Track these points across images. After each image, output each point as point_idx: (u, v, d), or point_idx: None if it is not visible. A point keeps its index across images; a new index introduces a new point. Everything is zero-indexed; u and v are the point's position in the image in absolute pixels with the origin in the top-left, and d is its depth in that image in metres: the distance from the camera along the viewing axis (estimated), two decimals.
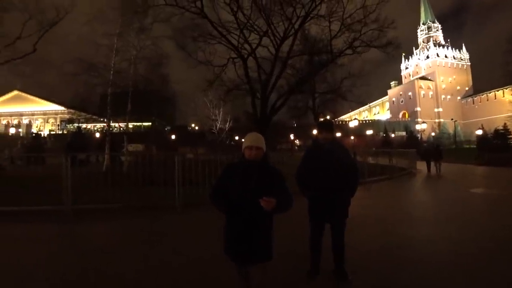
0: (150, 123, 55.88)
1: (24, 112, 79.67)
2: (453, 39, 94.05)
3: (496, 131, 36.15)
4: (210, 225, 5.43)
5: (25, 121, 79.89)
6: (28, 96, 78.67)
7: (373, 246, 4.11)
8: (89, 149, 35.50)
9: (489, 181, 12.29)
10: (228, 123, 43.36)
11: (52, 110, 79.11)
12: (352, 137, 45.40)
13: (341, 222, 3.01)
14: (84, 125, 45.00)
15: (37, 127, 78.83)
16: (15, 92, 78.82)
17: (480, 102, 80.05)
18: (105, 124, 25.89)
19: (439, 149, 16.50)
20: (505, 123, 38.73)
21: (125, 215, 6.47)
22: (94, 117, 27.61)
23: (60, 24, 19.02)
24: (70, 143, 37.62)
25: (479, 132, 42.43)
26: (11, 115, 79.59)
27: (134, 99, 25.38)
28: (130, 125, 59.12)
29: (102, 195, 7.35)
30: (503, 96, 64.13)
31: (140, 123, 58.55)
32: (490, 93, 76.30)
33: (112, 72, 22.11)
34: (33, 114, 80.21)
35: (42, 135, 63.16)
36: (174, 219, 6.19)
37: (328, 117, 40.35)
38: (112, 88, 22.91)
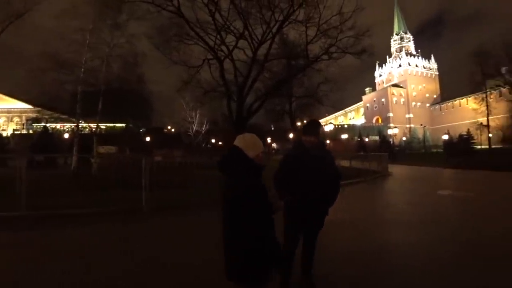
0: (124, 124, 53.91)
1: None
2: (424, 50, 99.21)
3: (461, 136, 38.25)
4: (177, 230, 5.24)
5: None
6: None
7: (348, 251, 4.07)
8: (57, 150, 33.58)
9: (456, 183, 12.87)
10: (204, 126, 42.81)
11: (17, 108, 74.31)
12: (328, 141, 46.29)
13: (317, 232, 2.89)
14: (52, 125, 42.65)
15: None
16: None
17: (447, 109, 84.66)
18: (75, 125, 24.56)
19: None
20: (468, 129, 41.23)
21: (89, 220, 6.05)
22: (63, 116, 26.10)
23: (29, 17, 17.88)
24: (35, 143, 35.39)
25: (446, 137, 44.75)
26: None
27: (107, 98, 24.30)
28: (103, 126, 56.68)
29: (67, 200, 6.91)
30: (467, 104, 68.19)
31: (114, 124, 56.22)
32: (455, 101, 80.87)
33: (83, 69, 21.09)
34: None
35: (5, 135, 59.05)
36: (141, 224, 5.87)
37: (304, 120, 41.08)
38: (83, 86, 21.83)
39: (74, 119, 23.09)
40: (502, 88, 38.45)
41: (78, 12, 18.82)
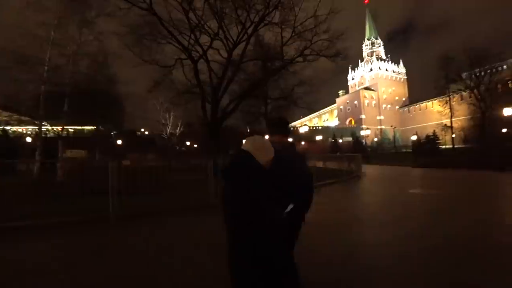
0: (94, 127, 51.33)
1: None
2: (393, 55, 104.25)
3: (428, 137, 40.38)
4: (147, 239, 4.87)
5: None
6: None
7: (323, 253, 3.97)
8: (17, 155, 31.24)
9: (425, 181, 13.40)
10: (179, 128, 41.78)
11: None
12: (303, 143, 46.94)
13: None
14: (13, 128, 39.75)
15: None
16: None
17: (415, 111, 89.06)
18: (46, 127, 22.99)
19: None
20: (434, 130, 43.65)
21: (47, 232, 5.52)
22: (24, 118, 24.25)
23: None
24: None
25: (414, 137, 47.02)
26: None
27: (74, 99, 22.92)
28: (71, 128, 53.42)
29: (24, 210, 6.32)
30: (433, 107, 72.07)
31: (83, 127, 53.38)
32: (422, 103, 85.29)
33: (46, 67, 19.74)
34: None
35: None
36: (105, 234, 5.42)
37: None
38: (47, 86, 20.45)
39: (37, 122, 21.60)
40: (463, 92, 41.03)
41: (42, 5, 17.62)
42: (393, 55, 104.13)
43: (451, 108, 39.41)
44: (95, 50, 19.26)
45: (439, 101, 47.28)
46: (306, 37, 17.22)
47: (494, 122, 33.44)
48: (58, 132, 23.54)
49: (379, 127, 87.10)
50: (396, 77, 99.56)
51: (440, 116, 46.28)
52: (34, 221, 5.79)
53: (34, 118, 21.25)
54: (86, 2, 15.88)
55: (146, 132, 59.33)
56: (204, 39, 16.56)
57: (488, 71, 36.16)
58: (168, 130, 40.50)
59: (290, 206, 2.10)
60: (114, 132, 58.09)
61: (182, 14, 15.12)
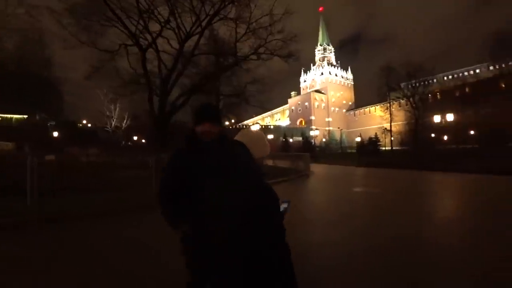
0: (25, 116, 45.44)
1: None
2: (342, 62, 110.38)
3: (370, 139, 43.71)
4: (72, 247, 4.22)
5: None
6: None
7: None
8: None
9: (368, 180, 14.27)
10: (125, 121, 38.95)
11: None
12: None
13: None
14: None
15: None
16: None
17: (360, 115, 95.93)
18: None
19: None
20: (376, 133, 47.54)
21: None
22: None
23: None
24: None
25: (358, 139, 50.63)
26: None
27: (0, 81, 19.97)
28: None
29: None
30: (375, 111, 78.34)
31: (12, 115, 46.93)
32: (367, 108, 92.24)
33: None
34: None
35: None
36: (26, 240, 4.63)
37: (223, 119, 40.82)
38: None
39: None
40: (401, 100, 45.40)
41: None
42: (342, 62, 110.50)
43: (391, 114, 43.32)
44: (27, 26, 16.92)
45: (381, 107, 51.76)
46: (261, 35, 17.29)
47: (426, 128, 37.76)
48: None
49: (327, 128, 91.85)
50: (344, 82, 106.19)
51: (381, 120, 50.81)
52: None
53: None
54: None
55: (89, 125, 54.33)
56: (155, 27, 15.56)
57: (422, 83, 40.57)
58: (113, 123, 37.47)
59: (284, 205, 1.88)
60: (51, 123, 52.06)
61: None
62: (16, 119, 47.51)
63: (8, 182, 6.61)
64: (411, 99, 40.81)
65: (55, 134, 42.63)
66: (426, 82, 41.25)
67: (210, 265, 1.48)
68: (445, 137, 36.78)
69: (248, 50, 18.07)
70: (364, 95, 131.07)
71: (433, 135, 36.91)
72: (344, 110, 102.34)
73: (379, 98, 49.81)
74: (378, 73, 43.66)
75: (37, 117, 46.80)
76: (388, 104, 45.17)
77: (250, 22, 16.46)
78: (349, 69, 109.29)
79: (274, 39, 17.65)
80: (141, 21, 14.49)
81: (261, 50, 17.81)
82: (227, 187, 1.46)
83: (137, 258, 3.65)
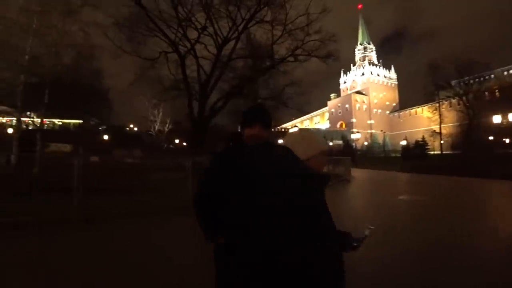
0: (81, 121, 50.24)
1: None
2: (385, 61, 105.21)
3: (417, 142, 40.66)
4: (94, 248, 4.28)
5: None
6: None
7: None
8: None
9: (412, 187, 13.18)
10: (167, 125, 40.84)
11: None
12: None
13: None
14: None
15: None
16: None
17: (405, 116, 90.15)
18: (31, 119, 22.29)
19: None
20: (423, 136, 44.03)
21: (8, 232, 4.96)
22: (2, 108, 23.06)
23: None
24: None
25: (403, 142, 47.37)
26: None
27: (57, 92, 22.07)
28: (58, 121, 52.16)
29: None
30: (422, 113, 73.12)
31: (70, 121, 52.21)
32: (412, 109, 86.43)
33: (27, 57, 18.92)
34: None
35: None
36: (69, 237, 4.89)
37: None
38: (27, 76, 19.64)
39: (16, 112, 20.77)
40: (452, 99, 41.55)
41: None
42: (384, 61, 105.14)
43: (440, 115, 39.79)
44: (80, 41, 18.53)
45: (429, 107, 47.85)
46: (297, 36, 16.99)
47: (481, 129, 33.94)
48: (37, 124, 22.68)
49: (369, 131, 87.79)
50: (387, 82, 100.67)
51: (429, 122, 46.80)
52: None
53: (15, 108, 20.49)
54: None
55: (136, 129, 58.18)
56: (193, 34, 16.04)
57: (477, 79, 36.68)
58: (156, 127, 39.60)
59: (366, 232, 1.54)
60: (102, 127, 56.88)
61: (171, 7, 14.55)
62: (73, 124, 52.77)
63: (60, 181, 7.14)
64: (464, 97, 37.13)
65: (105, 137, 46.44)
66: (481, 78, 37.25)
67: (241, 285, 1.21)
68: (507, 140, 32.69)
69: (285, 52, 17.89)
70: (409, 95, 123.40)
71: (491, 137, 32.94)
72: (388, 112, 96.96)
73: (426, 97, 45.98)
74: (424, 71, 40.57)
75: (91, 122, 51.53)
76: (437, 104, 41.51)
77: (286, 24, 16.26)
78: (392, 68, 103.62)
79: (311, 40, 17.26)
80: (180, 29, 15.04)
81: (298, 51, 17.53)
82: (275, 190, 1.23)
83: (153, 260, 3.60)
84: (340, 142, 66.57)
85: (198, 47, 16.13)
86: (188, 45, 15.67)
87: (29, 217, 5.47)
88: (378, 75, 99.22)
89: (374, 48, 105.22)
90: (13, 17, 17.41)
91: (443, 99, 41.78)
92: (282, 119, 44.13)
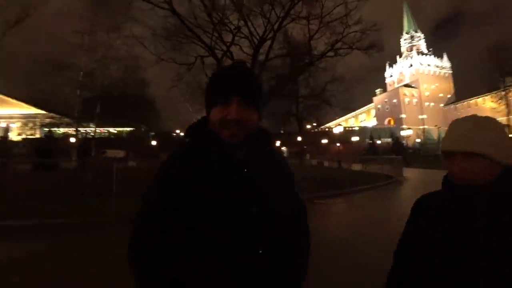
0: (132, 129, 54.75)
1: (1, 115, 75.56)
2: (436, 49, 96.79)
3: None
4: (116, 249, 4.14)
5: (2, 124, 75.66)
6: (7, 98, 74.67)
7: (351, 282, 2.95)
8: (59, 154, 33.45)
9: None
10: None
11: (31, 114, 75.41)
12: (338, 144, 44.67)
13: None
14: (59, 130, 42.90)
15: (14, 130, 75.00)
16: None
17: (462, 109, 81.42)
18: (90, 129, 24.78)
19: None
20: None
21: (40, 232, 5.29)
22: (67, 120, 25.60)
23: (30, 23, 17.50)
24: (40, 148, 35.36)
25: None
26: None
27: (108, 102, 23.97)
28: (113, 130, 57.51)
29: (40, 207, 6.27)
30: (484, 103, 65.43)
31: (123, 129, 57.09)
32: (471, 100, 77.85)
33: (82, 72, 20.84)
34: (11, 118, 76.05)
35: (10, 139, 59.52)
36: (106, 238, 4.92)
37: (314, 123, 39.48)
38: (82, 90, 21.64)
39: (74, 123, 22.98)
40: None
41: (75, 13, 18.66)
42: (435, 49, 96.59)
43: (507, 104, 35.06)
44: (124, 54, 19.93)
45: (492, 97, 42.46)
46: (336, 29, 16.09)
47: None
48: (92, 134, 24.97)
49: (421, 127, 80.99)
50: (439, 72, 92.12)
51: (493, 113, 41.41)
52: (37, 221, 5.64)
53: (74, 119, 22.85)
54: (113, 8, 16.37)
55: (182, 134, 61.21)
56: (229, 37, 16.02)
57: None
58: None
59: None
60: (152, 133, 60.95)
61: (204, 11, 14.69)
62: (126, 131, 57.56)
63: (104, 184, 7.52)
64: None
65: (154, 143, 49.62)
66: None
67: None
68: None
69: (324, 47, 17.04)
70: (466, 85, 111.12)
71: None
72: (442, 105, 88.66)
73: (489, 86, 40.88)
74: (485, 56, 36.03)
75: (141, 129, 55.64)
76: (503, 92, 36.64)
77: (323, 16, 15.43)
78: (445, 56, 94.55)
79: (352, 32, 16.21)
80: (215, 33, 15.11)
81: (338, 45, 16.56)
82: (254, 201, 0.85)
83: None
84: (389, 140, 62.53)
85: (234, 49, 16.08)
86: (224, 47, 15.68)
87: (77, 218, 5.85)
88: (428, 65, 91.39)
89: (422, 36, 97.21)
90: (68, 39, 19.38)
91: (510, 86, 36.81)
92: (326, 118, 42.68)
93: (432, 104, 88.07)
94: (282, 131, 50.15)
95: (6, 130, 74.18)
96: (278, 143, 53.23)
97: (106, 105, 23.78)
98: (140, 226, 0.87)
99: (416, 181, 15.00)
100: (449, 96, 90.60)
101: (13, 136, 58.44)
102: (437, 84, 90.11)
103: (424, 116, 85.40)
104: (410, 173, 17.45)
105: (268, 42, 15.93)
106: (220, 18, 14.79)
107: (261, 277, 0.83)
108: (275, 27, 15.53)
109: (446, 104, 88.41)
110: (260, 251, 0.82)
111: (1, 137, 47.05)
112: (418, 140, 70.71)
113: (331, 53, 16.89)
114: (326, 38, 16.61)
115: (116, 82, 22.03)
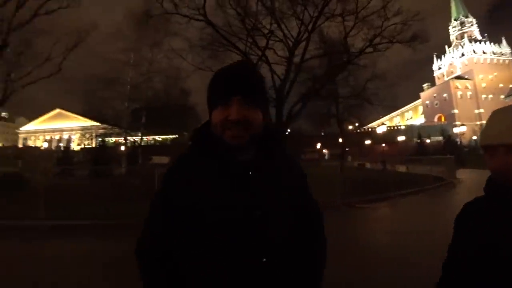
0: (176, 136, 58.32)
1: (64, 128, 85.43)
2: (492, 34, 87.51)
3: None
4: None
5: (65, 136, 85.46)
6: (68, 113, 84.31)
7: None
8: (111, 162, 36.47)
9: None
10: None
11: (88, 126, 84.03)
12: (383, 145, 42.28)
13: None
14: (113, 139, 47.01)
15: (75, 141, 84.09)
16: (57, 110, 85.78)
17: None
18: (138, 137, 26.99)
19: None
20: None
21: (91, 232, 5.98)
22: (117, 130, 27.87)
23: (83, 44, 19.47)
24: (95, 156, 38.81)
25: None
26: (53, 131, 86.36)
27: (153, 112, 25.83)
28: (159, 138, 62.16)
29: (88, 210, 7.05)
30: None
31: (167, 136, 61.33)
32: None
33: (129, 86, 22.73)
34: (72, 130, 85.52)
35: (72, 149, 66.49)
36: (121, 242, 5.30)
37: (353, 124, 38.03)
38: (129, 103, 23.53)
39: (123, 132, 25.09)
40: None
41: (123, 35, 20.73)
42: (491, 34, 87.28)
43: None
44: (165, 66, 21.52)
45: None
46: (373, 23, 15.36)
47: None
48: (139, 142, 27.12)
49: (478, 122, 73.51)
50: (498, 60, 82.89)
51: None
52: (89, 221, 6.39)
53: (132, 129, 25.20)
54: (154, 26, 17.81)
55: None
56: (263, 42, 16.16)
57: None
58: None
59: None
60: None
61: (236, 18, 15.07)
62: (169, 139, 61.74)
63: (149, 189, 8.06)
64: None
65: None
66: None
67: None
68: None
69: (362, 44, 16.33)
70: None
71: None
72: (502, 96, 79.52)
73: None
74: None
75: (185, 136, 59.54)
76: None
77: (358, 11, 14.82)
78: (504, 41, 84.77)
79: (391, 24, 15.31)
80: (249, 38, 15.34)
81: (377, 40, 15.73)
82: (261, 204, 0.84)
83: None
84: (440, 138, 57.71)
85: (268, 53, 16.14)
86: (259, 52, 15.82)
87: (125, 220, 6.35)
88: (484, 52, 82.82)
89: (474, 21, 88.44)
90: (116, 57, 21.55)
91: None
92: (369, 117, 40.76)
93: (490, 96, 79.65)
94: (322, 133, 49.01)
95: (69, 141, 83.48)
96: (318, 146, 52.18)
97: (151, 115, 25.62)
98: (145, 229, 0.94)
99: (472, 183, 13.56)
100: (511, 86, 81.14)
101: (74, 146, 65.47)
102: (495, 74, 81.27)
103: (481, 110, 77.47)
104: (466, 174, 15.90)
105: (303, 44, 15.73)
106: (253, 23, 14.98)
107: (265, 287, 0.82)
108: (309, 27, 15.29)
109: (507, 96, 79.18)
110: (264, 259, 0.82)
111: (65, 147, 52.77)
112: (475, 138, 64.24)
113: (369, 49, 16.14)
114: (364, 34, 15.93)
115: (159, 93, 23.75)
